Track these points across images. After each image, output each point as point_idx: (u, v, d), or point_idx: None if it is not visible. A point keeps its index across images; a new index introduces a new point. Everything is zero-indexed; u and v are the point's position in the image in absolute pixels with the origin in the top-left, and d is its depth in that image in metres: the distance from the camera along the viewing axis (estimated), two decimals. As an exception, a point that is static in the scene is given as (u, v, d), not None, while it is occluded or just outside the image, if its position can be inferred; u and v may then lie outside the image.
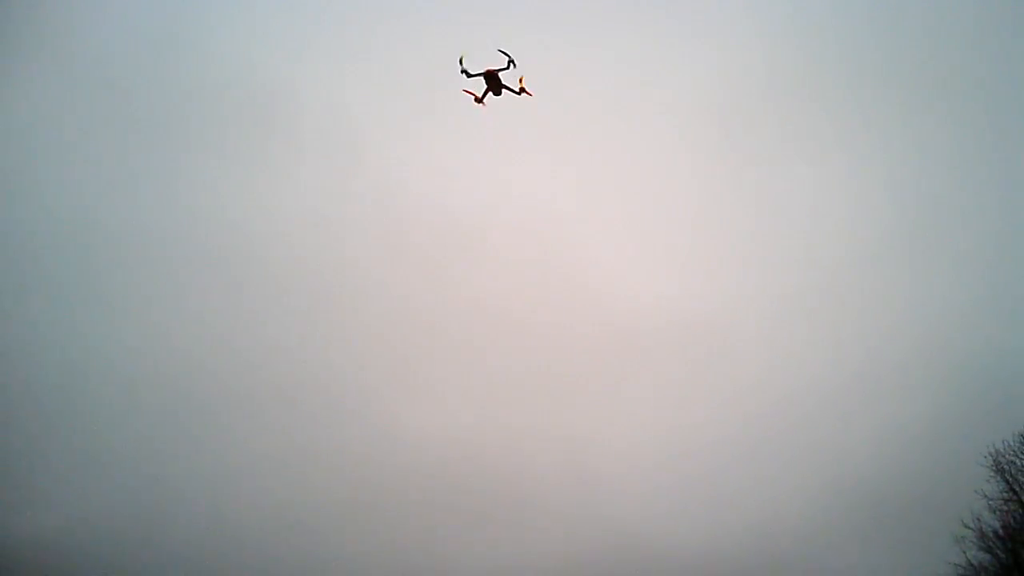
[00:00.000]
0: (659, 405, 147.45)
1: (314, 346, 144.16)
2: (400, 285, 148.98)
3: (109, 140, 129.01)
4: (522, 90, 34.90)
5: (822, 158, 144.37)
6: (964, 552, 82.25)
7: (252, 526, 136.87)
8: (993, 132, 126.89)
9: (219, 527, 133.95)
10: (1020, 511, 64.42)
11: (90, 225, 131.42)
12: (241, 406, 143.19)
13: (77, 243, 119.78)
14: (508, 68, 32.15)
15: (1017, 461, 63.65)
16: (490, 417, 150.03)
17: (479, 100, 32.55)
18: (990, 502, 64.56)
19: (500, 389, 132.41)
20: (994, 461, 63.85)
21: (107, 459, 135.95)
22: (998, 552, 66.01)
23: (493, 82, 33.58)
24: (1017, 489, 63.87)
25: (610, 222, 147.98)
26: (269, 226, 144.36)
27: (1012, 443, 63.50)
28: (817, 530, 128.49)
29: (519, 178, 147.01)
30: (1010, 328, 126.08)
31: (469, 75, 31.83)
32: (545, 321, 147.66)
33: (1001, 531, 65.58)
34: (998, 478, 63.91)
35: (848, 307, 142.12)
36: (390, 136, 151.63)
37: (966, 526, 75.79)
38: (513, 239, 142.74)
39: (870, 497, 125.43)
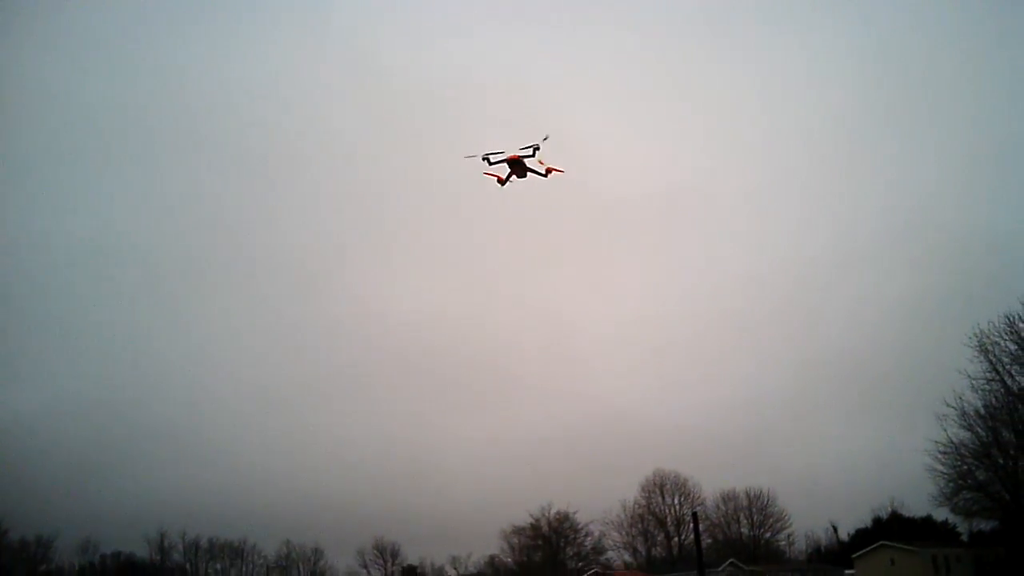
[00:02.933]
0: (641, 283, 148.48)
1: (296, 218, 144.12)
2: (385, 161, 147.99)
3: None
4: (548, 171, 34.04)
5: (810, 35, 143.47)
6: (945, 429, 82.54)
7: (234, 402, 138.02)
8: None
9: (200, 404, 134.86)
10: (1002, 391, 64.77)
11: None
12: (223, 279, 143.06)
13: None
14: (533, 155, 31.11)
15: (1001, 342, 63.49)
16: (474, 296, 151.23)
17: (502, 183, 32.11)
18: (973, 382, 64.74)
19: (484, 268, 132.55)
20: (979, 342, 63.64)
21: (85, 337, 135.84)
22: (978, 430, 66.61)
23: (518, 167, 32.79)
24: (1000, 370, 64.03)
25: (596, 92, 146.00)
26: (247, 99, 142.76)
27: (997, 324, 63.19)
28: (801, 403, 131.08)
29: (503, 44, 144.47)
30: (999, 209, 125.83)
31: (491, 163, 30.57)
32: (530, 196, 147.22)
33: (982, 410, 66.08)
34: (982, 358, 63.90)
35: (833, 182, 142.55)
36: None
37: (948, 405, 76.32)
38: (494, 105, 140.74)
39: (854, 373, 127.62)
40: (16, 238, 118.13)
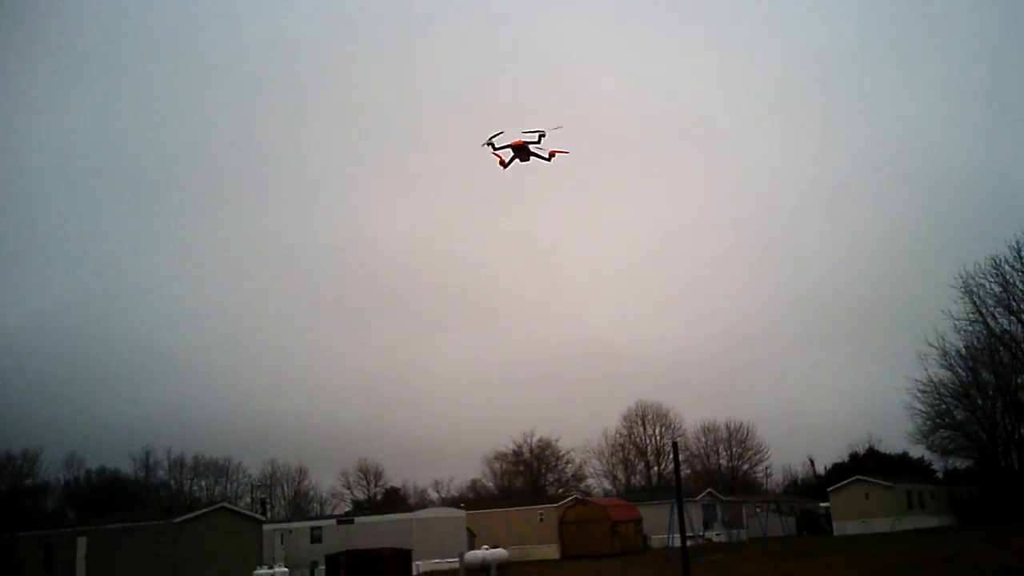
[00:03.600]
0: (629, 214, 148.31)
1: (286, 140, 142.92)
2: (377, 83, 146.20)
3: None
4: (552, 155, 33.60)
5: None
6: (926, 368, 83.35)
7: (218, 322, 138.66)
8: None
9: (183, 323, 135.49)
10: (984, 332, 65.29)
11: None
12: (207, 198, 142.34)
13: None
14: (539, 142, 30.59)
15: (986, 284, 63.62)
16: (463, 222, 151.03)
17: (504, 165, 31.52)
18: (956, 322, 65.11)
19: (473, 195, 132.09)
20: (963, 283, 63.75)
21: (66, 253, 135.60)
22: (959, 370, 67.31)
23: (522, 152, 32.11)
24: (984, 312, 64.36)
25: (585, 9, 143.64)
26: (238, 13, 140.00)
27: (983, 266, 63.24)
28: (784, 339, 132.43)
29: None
30: (989, 146, 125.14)
31: (495, 148, 29.92)
32: (522, 125, 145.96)
33: (964, 351, 66.70)
34: (966, 299, 64.12)
35: (818, 118, 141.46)
36: None
37: (930, 344, 76.89)
38: (480, 26, 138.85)
39: (836, 310, 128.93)
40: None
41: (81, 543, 43.88)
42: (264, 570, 39.34)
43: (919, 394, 68.73)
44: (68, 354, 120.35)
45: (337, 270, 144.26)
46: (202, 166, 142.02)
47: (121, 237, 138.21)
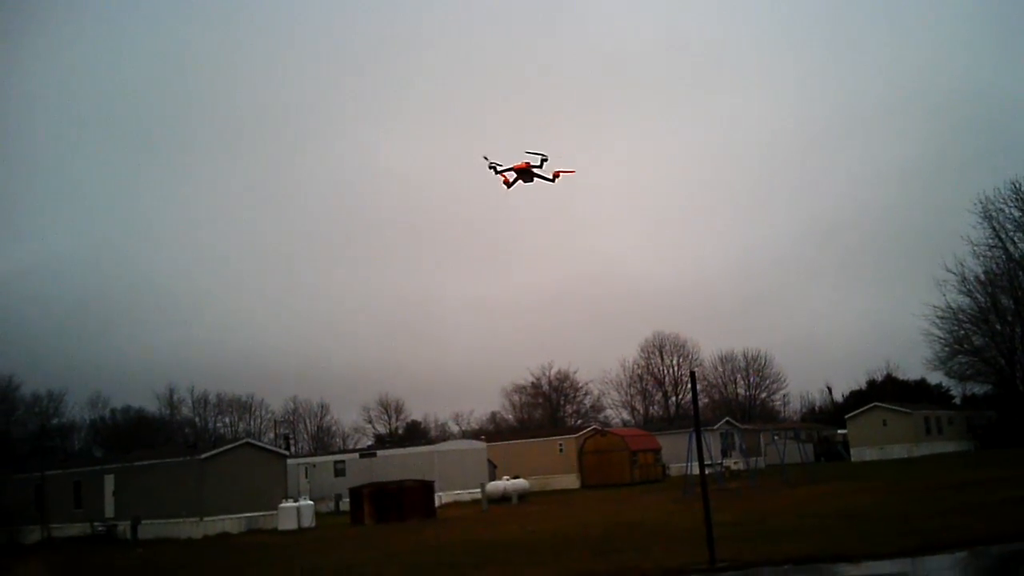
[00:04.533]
0: (640, 141, 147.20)
1: (293, 73, 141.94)
2: (383, 12, 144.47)
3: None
4: (556, 175, 33.51)
5: None
6: (944, 294, 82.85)
7: (235, 260, 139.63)
8: None
9: (199, 261, 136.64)
10: (1003, 258, 64.68)
11: None
12: (215, 133, 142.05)
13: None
14: (541, 165, 30.59)
15: (1006, 209, 62.88)
16: (474, 152, 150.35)
17: (508, 185, 31.51)
18: (975, 248, 64.55)
19: (485, 124, 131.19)
20: (983, 208, 63.03)
21: (76, 192, 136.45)
22: (977, 296, 66.93)
23: (526, 175, 31.91)
24: (1003, 237, 63.72)
25: None
26: None
27: (1003, 191, 62.47)
28: (802, 267, 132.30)
29: None
30: (1010, 72, 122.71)
31: (498, 171, 29.72)
32: (530, 51, 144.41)
33: (982, 276, 66.27)
34: (985, 225, 63.46)
35: (836, 42, 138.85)
36: None
37: (948, 270, 76.50)
38: None
39: (855, 237, 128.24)
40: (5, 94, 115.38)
41: (109, 480, 44.72)
42: (290, 503, 40.06)
43: (937, 320, 68.54)
44: (86, 295, 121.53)
45: (351, 207, 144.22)
46: (213, 102, 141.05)
47: (144, 180, 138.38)
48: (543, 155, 34.86)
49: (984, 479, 30.29)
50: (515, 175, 34.75)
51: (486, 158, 36.10)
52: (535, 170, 34.35)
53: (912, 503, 23.73)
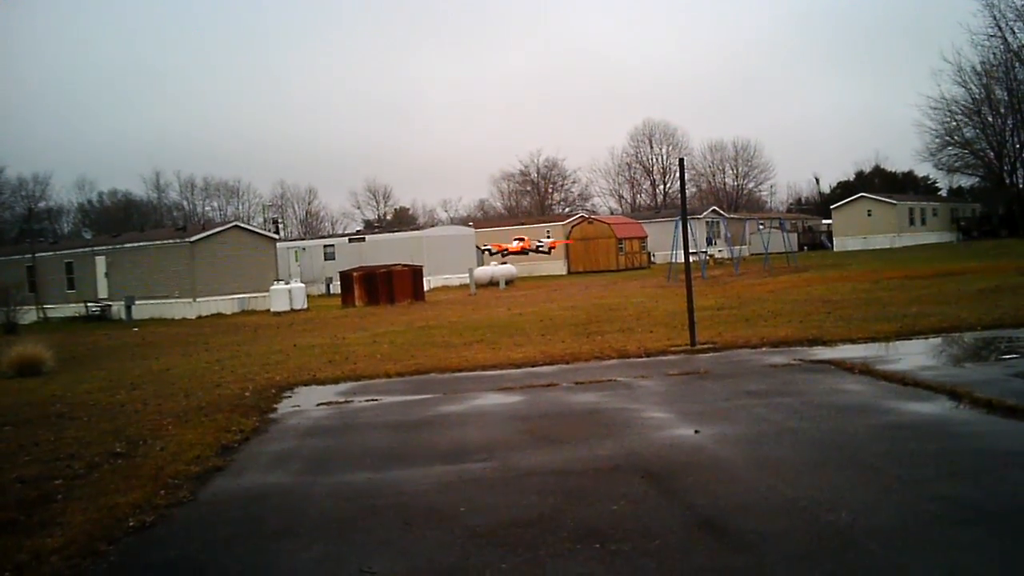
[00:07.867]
0: None
1: None
2: None
3: None
4: (552, 246, 33.24)
5: None
6: (939, 85, 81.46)
7: (221, 38, 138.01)
8: None
9: (187, 40, 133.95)
10: (1002, 47, 63.88)
11: None
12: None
13: None
14: (538, 249, 30.58)
15: (1009, -2, 61.41)
16: None
17: (504, 254, 30.81)
18: (973, 36, 63.64)
19: None
20: (984, -5, 61.51)
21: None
22: (972, 87, 66.59)
23: (523, 253, 31.07)
24: (1003, 26, 62.63)
25: None
26: None
27: (1008, -20, 60.61)
28: (795, 52, 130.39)
29: None
30: None
31: (492, 253, 28.55)
32: None
33: (979, 67, 65.62)
34: (986, 12, 62.16)
35: None
36: None
37: (945, 60, 75.33)
38: None
39: (849, 22, 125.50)
40: None
41: (100, 262, 45.20)
42: (280, 285, 40.72)
43: (930, 111, 68.49)
44: (69, 77, 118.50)
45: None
46: None
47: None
48: (545, 249, 39.44)
49: (963, 270, 30.88)
50: (516, 248, 37.81)
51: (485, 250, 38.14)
52: (534, 245, 37.76)
53: (890, 291, 24.27)
